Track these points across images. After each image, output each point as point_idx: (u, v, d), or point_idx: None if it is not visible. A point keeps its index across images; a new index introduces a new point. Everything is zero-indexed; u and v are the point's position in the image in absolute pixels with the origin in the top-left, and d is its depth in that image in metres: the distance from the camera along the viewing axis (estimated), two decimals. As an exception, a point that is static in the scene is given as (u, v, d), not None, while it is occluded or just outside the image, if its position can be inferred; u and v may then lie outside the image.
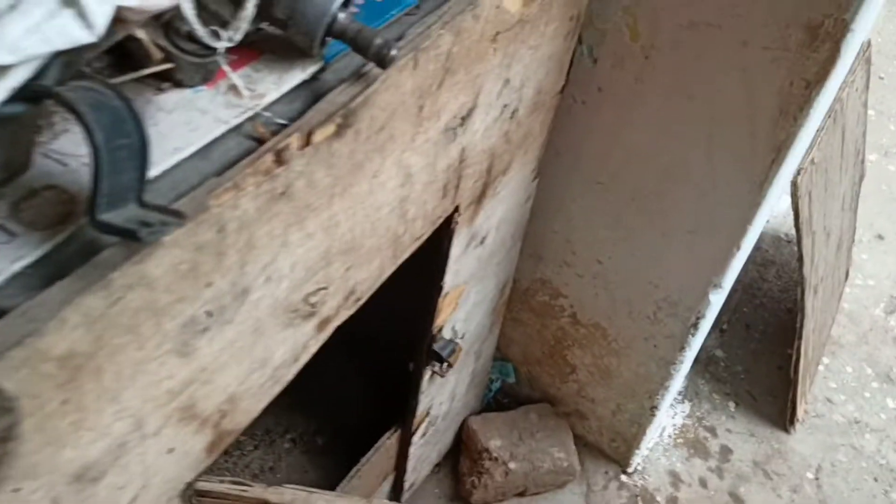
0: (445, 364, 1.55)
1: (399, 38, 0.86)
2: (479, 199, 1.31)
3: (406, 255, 1.15)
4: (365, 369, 1.92)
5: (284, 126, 0.78)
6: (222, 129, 0.74)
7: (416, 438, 1.69)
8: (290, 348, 0.96)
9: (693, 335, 1.68)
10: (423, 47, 0.87)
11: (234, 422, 0.93)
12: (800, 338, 2.25)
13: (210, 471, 1.04)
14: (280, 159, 0.74)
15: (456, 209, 1.24)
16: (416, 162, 1.02)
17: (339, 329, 1.03)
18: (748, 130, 1.36)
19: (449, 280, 1.38)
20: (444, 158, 1.09)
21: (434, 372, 1.56)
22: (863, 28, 1.22)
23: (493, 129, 1.21)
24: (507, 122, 1.25)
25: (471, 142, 1.15)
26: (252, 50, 0.82)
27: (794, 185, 1.97)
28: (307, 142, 0.76)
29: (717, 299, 1.61)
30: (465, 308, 1.55)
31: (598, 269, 1.72)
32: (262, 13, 0.77)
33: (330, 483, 1.61)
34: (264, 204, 0.75)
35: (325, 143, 0.79)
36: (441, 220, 1.21)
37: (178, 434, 0.82)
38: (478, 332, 1.72)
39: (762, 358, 2.58)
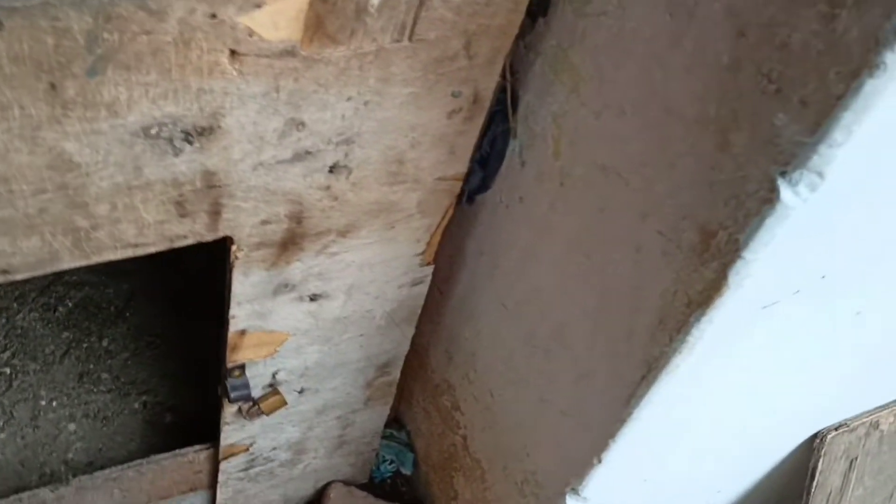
0: (252, 405, 1.37)
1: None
2: (285, 245, 1.12)
3: (109, 256, 1.00)
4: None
5: None
6: None
7: (227, 467, 1.53)
8: None
9: (550, 533, 1.35)
10: (15, 7, 0.71)
11: None
12: None
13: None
14: None
15: (230, 240, 1.06)
16: (79, 152, 0.86)
17: None
18: (628, 328, 1.04)
19: (242, 318, 1.20)
20: (161, 170, 0.92)
21: (239, 409, 1.38)
22: (769, 276, 0.86)
23: (287, 173, 1.01)
24: (328, 177, 1.05)
25: (229, 170, 0.96)
26: None
27: (821, 442, 1.52)
28: None
29: (576, 507, 1.27)
30: (296, 361, 1.36)
31: (489, 402, 1.43)
32: None
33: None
34: None
35: None
36: (188, 243, 1.03)
37: None
38: (339, 400, 1.51)
39: None
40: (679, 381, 1.01)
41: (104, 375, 1.70)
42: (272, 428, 1.49)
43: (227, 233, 1.05)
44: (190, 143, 0.91)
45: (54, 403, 1.64)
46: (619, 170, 0.99)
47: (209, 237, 1.05)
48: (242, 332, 1.24)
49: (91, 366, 1.71)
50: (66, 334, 1.74)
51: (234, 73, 0.86)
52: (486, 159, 1.21)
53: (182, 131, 0.90)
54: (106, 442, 1.61)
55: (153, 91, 0.84)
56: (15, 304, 1.76)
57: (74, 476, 1.54)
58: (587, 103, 1.02)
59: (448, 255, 1.41)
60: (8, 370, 1.66)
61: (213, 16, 0.80)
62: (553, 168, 1.11)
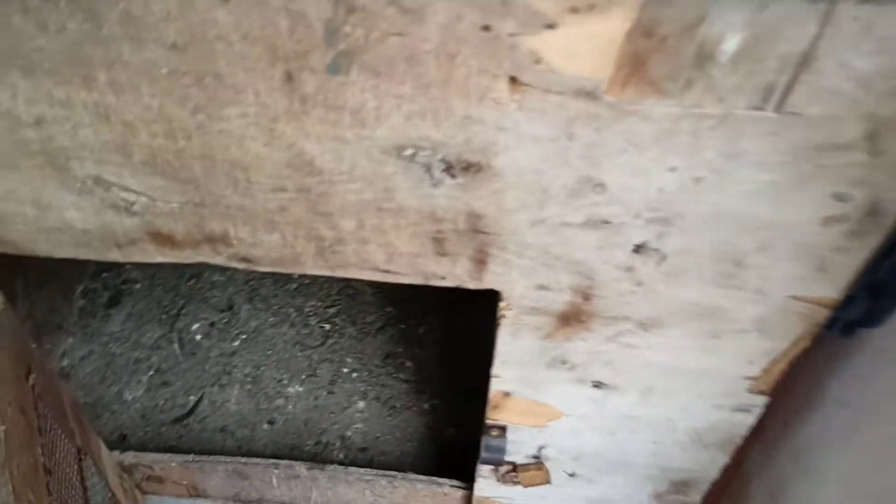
0: (510, 470, 1.18)
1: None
2: (567, 319, 0.89)
3: (355, 274, 0.86)
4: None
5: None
6: None
7: (479, 516, 1.36)
8: (99, 226, 0.83)
9: None
10: (238, -21, 0.57)
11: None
12: None
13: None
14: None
15: (498, 295, 0.87)
16: (320, 157, 0.72)
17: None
18: None
19: (507, 380, 1.01)
20: (417, 199, 0.75)
21: (496, 468, 1.20)
22: None
23: (577, 239, 0.78)
24: (631, 257, 0.79)
25: (500, 219, 0.76)
26: None
27: None
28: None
29: None
30: (569, 442, 1.13)
31: (797, 591, 1.06)
32: None
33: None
34: None
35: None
36: (446, 284, 0.86)
37: None
38: (618, 499, 1.25)
39: None
40: None
41: (408, 364, 1.62)
42: (535, 500, 1.28)
43: (494, 286, 0.85)
44: (452, 176, 0.72)
45: (354, 375, 1.60)
46: None
47: (471, 285, 0.86)
48: (507, 394, 1.04)
49: (400, 349, 1.64)
50: (389, 309, 1.70)
51: (514, 105, 0.65)
52: (882, 289, 0.84)
53: (442, 161, 0.71)
54: (384, 432, 1.53)
55: (407, 107, 0.66)
56: (357, 265, 1.75)
57: (345, 457, 1.50)
58: None
59: (804, 383, 1.06)
60: (327, 327, 1.66)
61: (487, 28, 0.59)
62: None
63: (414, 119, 0.67)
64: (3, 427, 0.77)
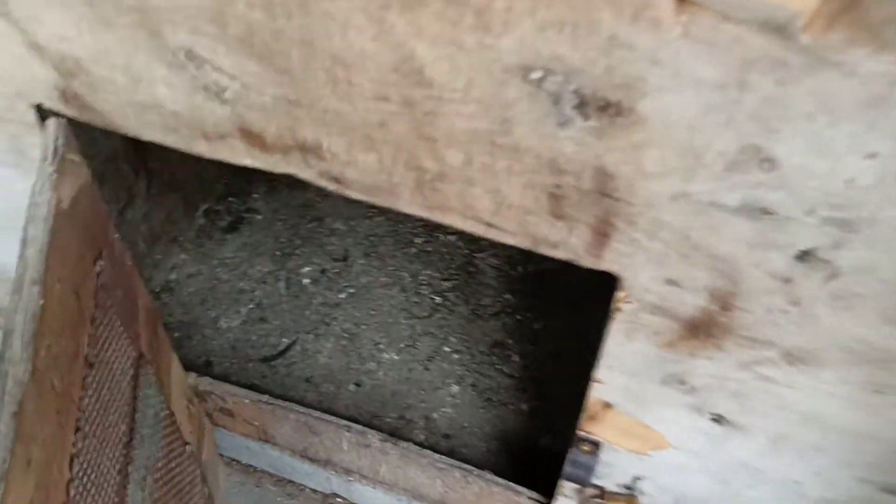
0: (596, 495, 1.03)
1: None
2: (695, 329, 0.73)
3: (454, 221, 0.74)
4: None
5: None
6: None
7: (554, 537, 1.21)
8: (189, 109, 0.74)
9: None
10: None
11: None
12: None
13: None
14: None
15: (617, 282, 0.72)
16: (432, 64, 0.60)
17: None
18: None
19: (610, 388, 0.86)
20: (538, 138, 0.62)
21: (580, 488, 1.05)
22: None
23: (726, 228, 0.62)
24: (792, 266, 0.63)
25: (634, 183, 0.62)
26: None
27: None
28: None
29: None
30: (671, 480, 0.97)
31: None
32: None
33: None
34: None
35: None
36: (556, 255, 0.72)
37: None
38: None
39: None
40: None
41: (515, 358, 1.49)
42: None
43: (614, 269, 0.71)
44: (584, 116, 0.58)
45: (455, 356, 1.48)
46: None
47: (587, 262, 0.72)
48: (608, 405, 0.89)
49: (510, 341, 1.51)
50: (507, 296, 1.57)
51: (677, 30, 0.50)
52: None
53: (575, 93, 0.57)
54: (472, 424, 1.41)
55: (543, 13, 0.53)
56: (482, 242, 1.63)
57: (426, 439, 1.39)
58: None
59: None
60: (439, 300, 1.55)
61: None
62: None
63: (548, 30, 0.54)
64: (43, 301, 0.70)
